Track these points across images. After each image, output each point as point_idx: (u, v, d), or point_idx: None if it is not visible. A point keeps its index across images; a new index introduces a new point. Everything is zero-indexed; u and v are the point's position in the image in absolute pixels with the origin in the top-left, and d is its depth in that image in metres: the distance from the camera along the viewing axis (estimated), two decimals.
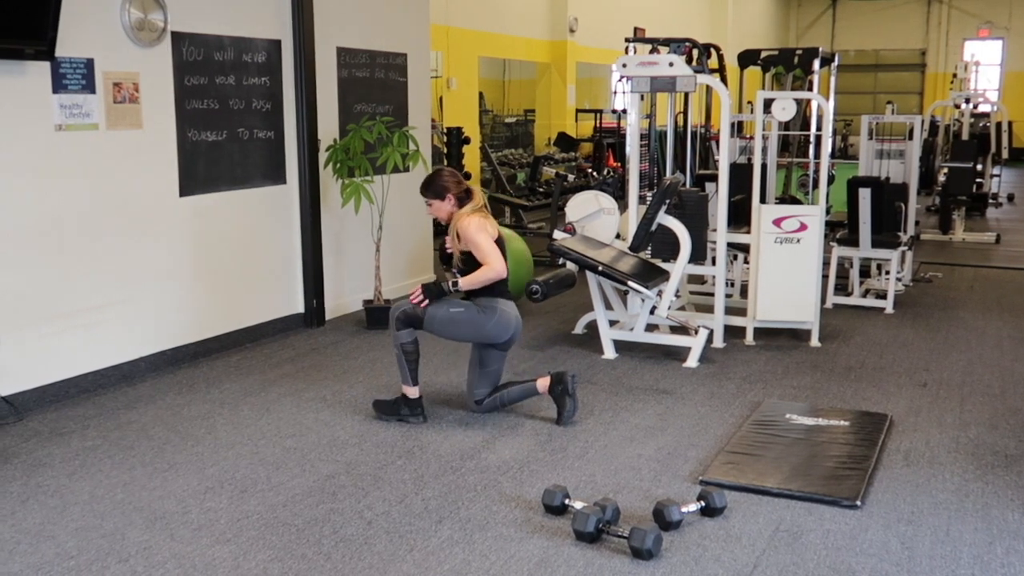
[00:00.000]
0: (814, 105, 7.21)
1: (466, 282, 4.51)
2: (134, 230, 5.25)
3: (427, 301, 4.51)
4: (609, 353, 5.78)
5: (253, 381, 5.29)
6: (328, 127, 6.57)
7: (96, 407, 4.83)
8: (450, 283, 4.54)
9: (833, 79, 8.33)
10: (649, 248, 5.90)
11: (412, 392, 4.62)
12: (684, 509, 3.51)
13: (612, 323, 5.93)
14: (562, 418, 4.58)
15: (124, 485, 3.87)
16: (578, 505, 3.51)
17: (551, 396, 4.63)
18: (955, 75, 13.66)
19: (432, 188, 4.61)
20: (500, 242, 4.60)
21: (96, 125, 4.97)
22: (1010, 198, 14.18)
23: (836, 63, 8.33)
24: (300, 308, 6.48)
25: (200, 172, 5.63)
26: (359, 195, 6.17)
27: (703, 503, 3.57)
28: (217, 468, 4.05)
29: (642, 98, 6.41)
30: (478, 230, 4.49)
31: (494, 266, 4.48)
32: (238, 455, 4.20)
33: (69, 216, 4.89)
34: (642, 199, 6.26)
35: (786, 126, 8.04)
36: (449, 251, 4.64)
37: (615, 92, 16.93)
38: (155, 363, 5.43)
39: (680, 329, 5.88)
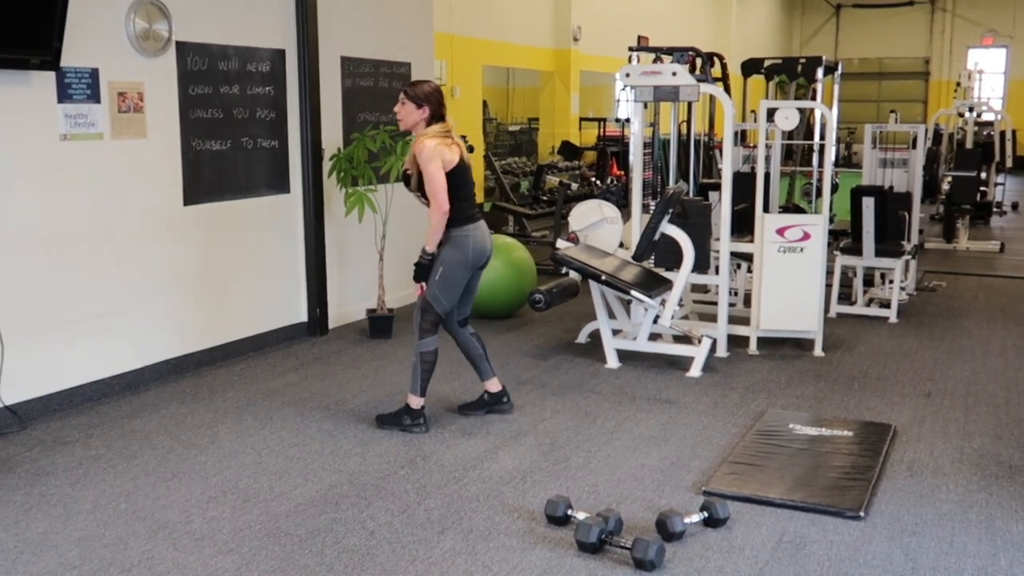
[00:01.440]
0: (817, 114, 7.22)
1: (429, 242, 4.46)
2: (138, 239, 5.26)
3: (424, 285, 4.51)
4: (612, 362, 5.77)
5: (256, 390, 5.30)
6: (332, 136, 6.59)
7: (100, 416, 4.84)
8: (422, 257, 4.49)
9: (837, 87, 8.36)
10: (652, 257, 5.90)
11: (417, 402, 4.63)
12: (687, 520, 3.50)
13: (615, 332, 5.92)
14: (468, 409, 4.84)
15: (127, 494, 3.87)
16: (581, 516, 3.50)
17: (487, 396, 4.82)
18: (959, 83, 13.65)
19: (415, 90, 4.48)
20: (460, 169, 4.45)
21: (101, 134, 4.99)
22: (1014, 207, 14.16)
23: (840, 71, 8.35)
24: (304, 317, 6.49)
25: (204, 181, 5.65)
26: (363, 204, 6.18)
27: (706, 514, 3.57)
28: (220, 477, 4.05)
29: (645, 107, 6.42)
30: (430, 158, 4.35)
31: (439, 205, 4.34)
32: (241, 464, 4.20)
33: (74, 225, 4.91)
34: (645, 208, 6.27)
35: (790, 135, 8.04)
36: (408, 172, 4.54)
37: (619, 101, 16.96)
38: (159, 372, 5.44)
39: (683, 338, 5.87)
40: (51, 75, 4.69)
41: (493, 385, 4.86)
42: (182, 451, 4.36)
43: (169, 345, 5.52)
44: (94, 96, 4.93)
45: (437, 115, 4.49)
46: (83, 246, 4.96)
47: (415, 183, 4.51)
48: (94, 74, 4.92)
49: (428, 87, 4.52)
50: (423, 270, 4.51)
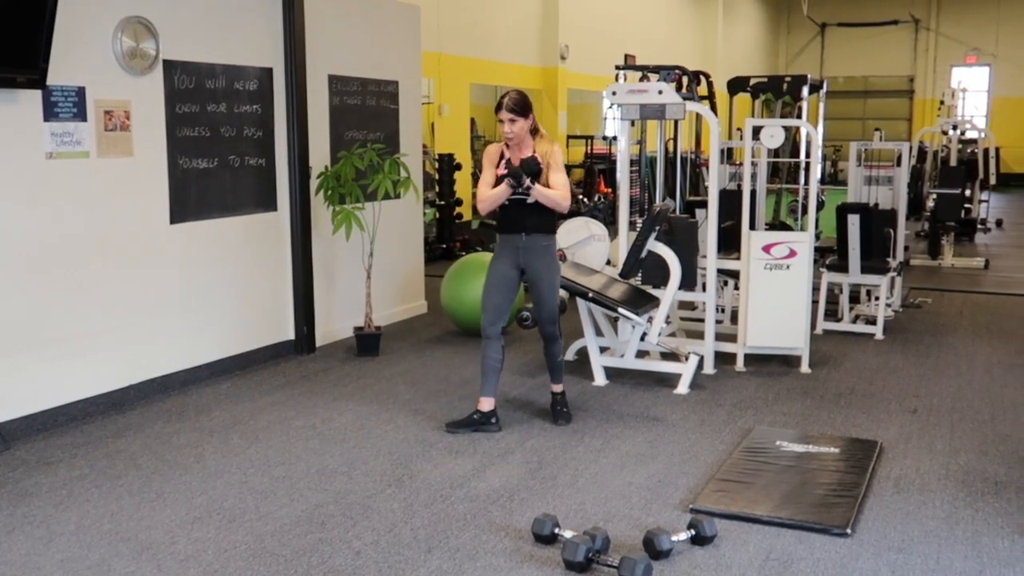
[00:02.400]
0: (803, 132, 7.27)
1: (538, 192, 4.65)
2: (124, 257, 5.25)
3: (515, 181, 4.61)
4: (600, 380, 5.77)
5: (243, 409, 5.27)
6: (319, 154, 6.59)
7: (84, 436, 4.80)
8: (527, 181, 4.62)
9: (822, 105, 8.42)
10: (639, 274, 5.91)
11: (486, 404, 4.85)
12: (674, 538, 3.49)
13: (603, 350, 5.93)
14: (455, 426, 4.85)
15: (111, 515, 3.84)
16: (568, 534, 3.49)
17: (479, 414, 4.84)
18: (942, 102, 13.78)
19: (522, 105, 4.67)
20: None
21: (87, 153, 4.98)
22: (998, 223, 14.27)
23: (825, 90, 8.41)
24: (291, 335, 6.47)
25: (191, 199, 5.64)
26: (350, 222, 6.18)
27: (693, 531, 3.56)
28: (205, 497, 4.03)
29: (632, 125, 6.45)
30: (562, 158, 4.79)
31: (567, 200, 4.73)
32: (226, 484, 4.18)
33: (59, 243, 4.89)
34: (632, 225, 6.28)
35: (776, 152, 8.09)
36: (538, 164, 4.66)
37: (606, 118, 17.05)
38: (144, 391, 5.41)
39: (671, 356, 5.88)
40: (37, 93, 4.68)
41: (487, 403, 4.86)
42: (167, 471, 4.33)
43: (155, 364, 5.49)
44: (80, 114, 4.92)
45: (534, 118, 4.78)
46: (68, 265, 4.94)
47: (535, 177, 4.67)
48: (80, 92, 4.91)
49: (519, 96, 4.71)
50: (519, 173, 4.60)
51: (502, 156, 4.78)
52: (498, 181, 4.73)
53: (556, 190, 4.68)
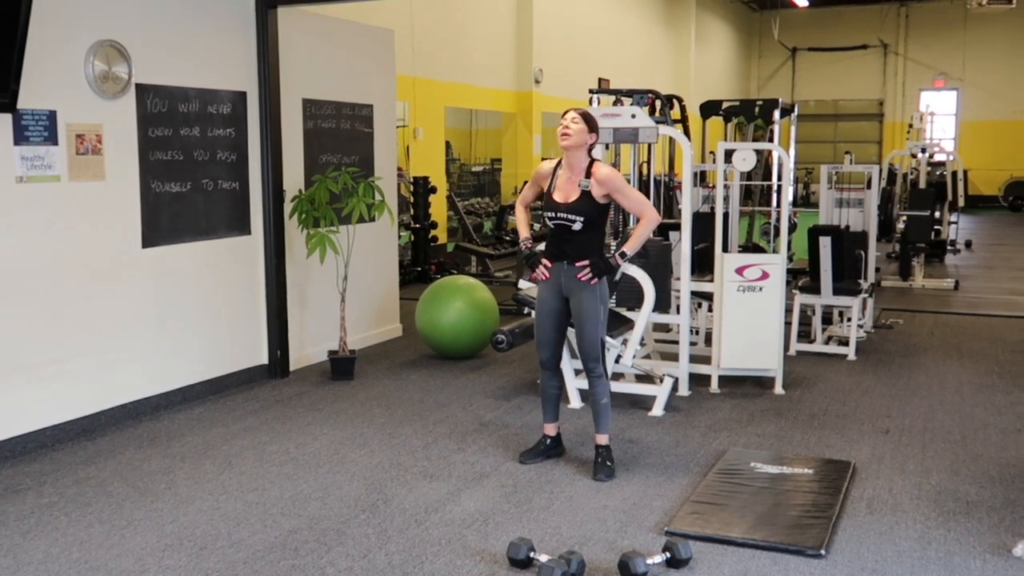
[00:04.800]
0: (775, 155, 7.34)
1: (633, 246, 4.58)
2: (96, 282, 5.20)
3: (595, 278, 4.49)
4: (575, 402, 5.77)
5: (215, 434, 5.22)
6: (294, 178, 6.58)
7: (53, 463, 4.74)
8: (617, 256, 4.59)
9: (794, 129, 8.50)
10: (614, 297, 5.93)
11: (551, 430, 4.81)
12: (650, 561, 3.49)
13: (577, 372, 5.93)
14: (527, 455, 4.77)
15: (81, 543, 3.79)
16: (543, 558, 3.48)
17: (548, 439, 4.82)
18: (911, 125, 13.98)
19: (589, 118, 4.53)
20: None
21: (58, 177, 4.95)
22: (968, 245, 14.45)
23: (796, 113, 8.51)
24: (264, 359, 6.43)
25: (163, 223, 5.61)
26: (324, 246, 6.16)
27: (669, 554, 3.56)
28: (177, 525, 3.98)
29: (607, 148, 6.49)
30: (623, 179, 4.58)
31: (655, 214, 4.58)
32: (199, 511, 4.13)
33: (29, 268, 4.84)
34: (607, 248, 6.29)
35: (748, 175, 8.17)
36: (573, 201, 4.47)
37: None
38: (115, 417, 5.35)
39: (645, 378, 5.89)
40: (7, 117, 4.65)
41: (551, 429, 4.85)
42: (138, 498, 4.28)
43: (126, 389, 5.43)
44: (52, 138, 4.89)
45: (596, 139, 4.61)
46: (39, 289, 4.89)
47: (586, 206, 4.46)
48: (52, 116, 4.88)
49: (589, 112, 4.60)
50: (607, 267, 4.52)
51: (553, 177, 4.58)
52: (548, 204, 4.53)
53: (642, 220, 4.58)
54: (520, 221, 4.81)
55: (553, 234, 4.57)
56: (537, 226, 8.63)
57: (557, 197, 4.51)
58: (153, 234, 5.54)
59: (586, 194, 4.44)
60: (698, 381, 6.16)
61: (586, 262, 4.47)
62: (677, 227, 6.37)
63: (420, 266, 10.87)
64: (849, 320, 7.40)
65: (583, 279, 4.47)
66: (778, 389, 6.11)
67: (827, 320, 7.85)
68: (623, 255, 4.64)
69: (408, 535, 3.87)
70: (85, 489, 4.38)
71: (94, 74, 5.10)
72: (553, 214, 4.51)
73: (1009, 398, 6.02)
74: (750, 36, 27.42)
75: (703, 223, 6.57)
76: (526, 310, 5.96)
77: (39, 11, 4.67)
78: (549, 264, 4.56)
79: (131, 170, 5.39)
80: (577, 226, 4.46)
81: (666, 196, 8.39)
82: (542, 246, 4.69)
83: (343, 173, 6.32)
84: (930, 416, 5.61)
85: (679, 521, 3.97)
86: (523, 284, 6.10)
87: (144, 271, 5.50)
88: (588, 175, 4.46)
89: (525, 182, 10.87)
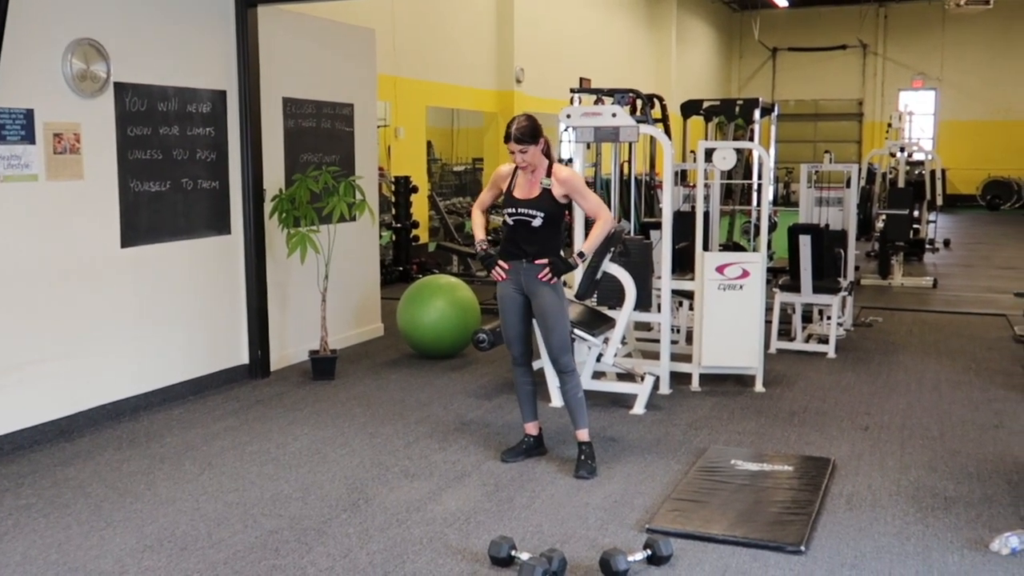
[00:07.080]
0: (755, 154, 7.38)
1: (590, 246, 4.66)
2: (74, 282, 5.16)
3: (554, 278, 4.54)
4: (556, 401, 5.78)
5: (195, 435, 5.20)
6: (274, 177, 6.55)
7: (31, 464, 4.70)
8: (575, 257, 4.62)
9: (774, 128, 8.56)
10: (595, 296, 5.94)
11: (532, 429, 4.84)
12: (631, 558, 3.50)
13: None
14: (509, 454, 4.78)
15: (59, 545, 3.76)
16: (524, 556, 3.48)
17: (529, 438, 4.82)
18: (890, 124, 14.06)
19: (532, 132, 4.42)
20: None
21: (36, 176, 4.91)
22: (946, 243, 14.56)
23: (776, 113, 8.56)
24: (245, 359, 6.40)
25: (142, 223, 5.57)
26: (305, 245, 6.14)
27: (649, 551, 3.57)
28: (156, 525, 3.96)
29: (588, 147, 6.50)
30: (583, 181, 4.65)
31: (611, 216, 4.68)
32: (178, 511, 4.11)
33: (7, 268, 4.80)
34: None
35: (728, 174, 8.20)
36: (535, 197, 4.51)
37: (561, 141, 17.15)
38: (94, 417, 5.31)
39: (627, 376, 5.91)
40: None
41: (532, 427, 4.86)
42: (117, 499, 4.25)
43: (105, 390, 5.39)
44: (29, 137, 4.85)
45: (546, 141, 4.57)
46: (16, 289, 4.85)
47: (545, 204, 4.50)
48: (29, 115, 4.84)
49: (527, 122, 4.47)
50: (566, 266, 4.59)
51: (513, 177, 4.59)
52: (508, 201, 4.56)
53: (597, 222, 4.58)
54: (476, 224, 4.82)
55: (512, 230, 4.60)
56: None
57: (518, 194, 4.57)
58: (132, 234, 5.50)
59: (547, 191, 4.52)
60: (679, 379, 6.19)
61: (545, 261, 4.52)
62: (658, 226, 6.40)
63: (401, 266, 10.86)
64: (829, 318, 7.44)
65: (543, 279, 4.53)
66: (758, 387, 6.14)
67: (807, 318, 7.89)
68: (581, 255, 4.71)
69: (389, 534, 3.86)
70: (64, 490, 4.35)
71: (72, 73, 5.06)
72: (513, 210, 4.55)
73: (986, 395, 6.07)
74: (731, 36, 27.54)
75: (684, 222, 6.59)
76: None
77: (16, 9, 4.63)
78: (506, 266, 4.59)
79: (109, 169, 5.35)
80: (537, 222, 4.51)
81: (647, 195, 8.42)
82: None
83: (323, 172, 6.30)
84: (909, 413, 5.66)
85: (660, 518, 3.98)
86: None
87: (123, 271, 5.47)
88: (549, 175, 4.54)
89: None
